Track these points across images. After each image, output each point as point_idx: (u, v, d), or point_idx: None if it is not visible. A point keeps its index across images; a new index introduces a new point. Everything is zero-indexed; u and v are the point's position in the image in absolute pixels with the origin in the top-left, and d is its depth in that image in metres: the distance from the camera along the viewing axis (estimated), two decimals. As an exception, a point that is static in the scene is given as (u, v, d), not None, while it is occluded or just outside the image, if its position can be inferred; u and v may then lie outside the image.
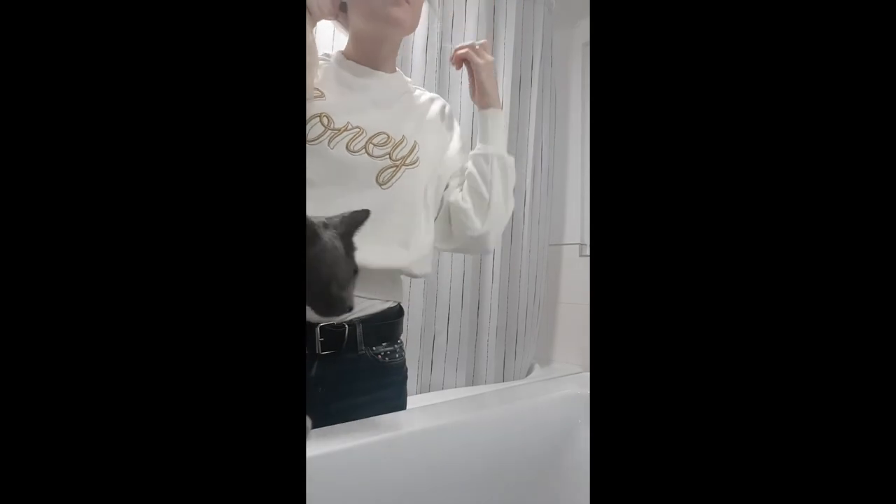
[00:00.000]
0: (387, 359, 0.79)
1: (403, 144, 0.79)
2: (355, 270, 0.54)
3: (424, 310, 1.61)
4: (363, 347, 0.75)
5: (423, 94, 0.91)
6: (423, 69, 1.61)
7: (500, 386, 1.72)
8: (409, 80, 0.91)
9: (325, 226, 0.53)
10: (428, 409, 0.61)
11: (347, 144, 0.75)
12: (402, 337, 0.85)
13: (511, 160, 0.91)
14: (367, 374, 0.76)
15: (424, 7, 1.61)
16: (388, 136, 0.78)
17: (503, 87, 1.83)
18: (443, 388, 1.63)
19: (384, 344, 0.79)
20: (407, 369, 0.84)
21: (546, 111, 1.99)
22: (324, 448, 0.45)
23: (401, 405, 0.82)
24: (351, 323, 0.74)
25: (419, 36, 1.61)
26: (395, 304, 0.81)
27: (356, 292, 0.68)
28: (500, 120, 0.91)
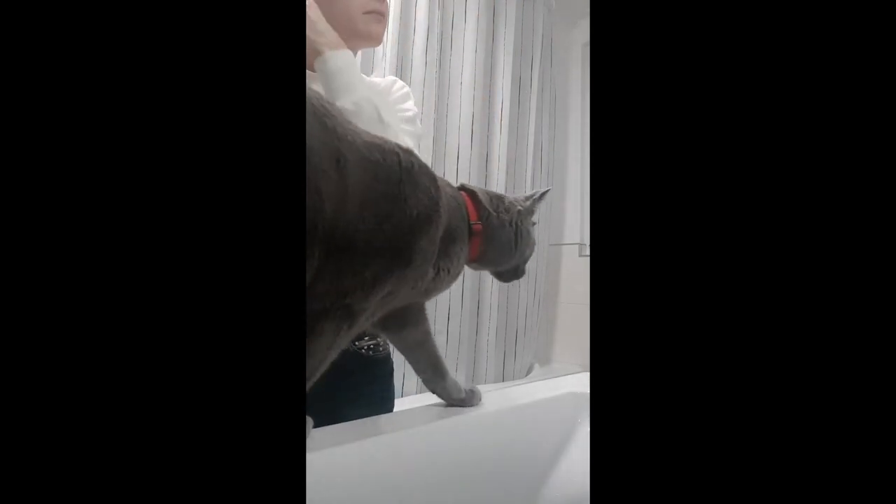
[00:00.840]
0: (371, 352, 0.78)
1: None
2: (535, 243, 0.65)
3: (424, 310, 1.62)
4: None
5: (382, 83, 0.87)
6: (423, 70, 1.61)
7: (500, 386, 1.72)
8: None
9: (520, 212, 0.60)
10: (428, 410, 0.61)
11: None
12: None
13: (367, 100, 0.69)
14: (353, 369, 0.76)
15: (424, 8, 1.61)
16: None
17: (503, 87, 1.83)
18: (443, 388, 1.63)
19: (366, 338, 0.78)
20: (393, 363, 0.84)
21: (546, 111, 1.99)
22: (324, 448, 0.45)
23: (389, 398, 0.82)
24: None
25: (419, 37, 1.61)
26: None
27: None
28: (335, 63, 0.68)
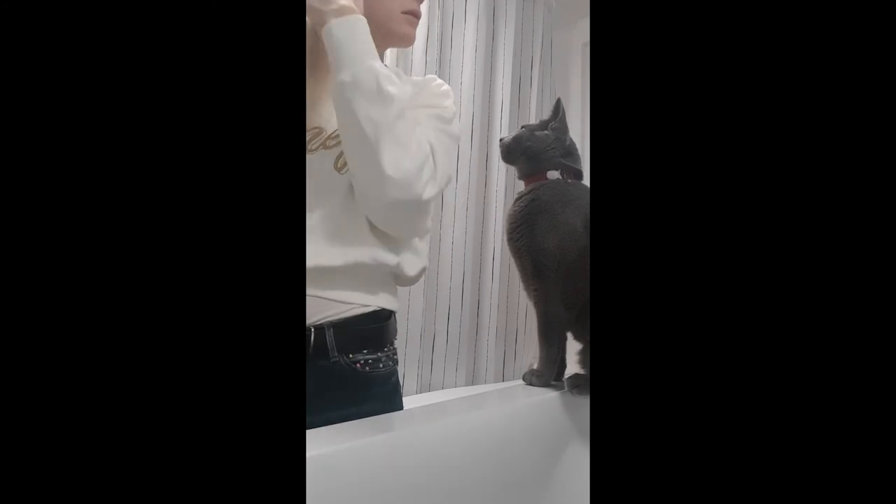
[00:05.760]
0: (367, 368, 0.72)
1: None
2: None
3: (424, 310, 1.61)
4: (336, 354, 0.70)
5: (419, 80, 0.85)
6: (423, 70, 1.62)
7: (500, 386, 1.72)
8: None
9: None
10: (428, 409, 0.61)
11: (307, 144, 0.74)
12: (397, 342, 0.79)
13: (368, 78, 0.63)
14: (342, 384, 0.71)
15: (425, 8, 1.61)
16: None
17: (503, 87, 1.83)
18: (443, 388, 1.63)
19: (365, 351, 0.73)
20: (397, 379, 0.79)
21: (546, 111, 1.99)
22: (324, 448, 0.45)
23: None
24: (318, 327, 0.69)
25: (419, 36, 1.61)
26: (377, 307, 0.74)
27: (322, 293, 0.69)
28: (339, 33, 0.64)
